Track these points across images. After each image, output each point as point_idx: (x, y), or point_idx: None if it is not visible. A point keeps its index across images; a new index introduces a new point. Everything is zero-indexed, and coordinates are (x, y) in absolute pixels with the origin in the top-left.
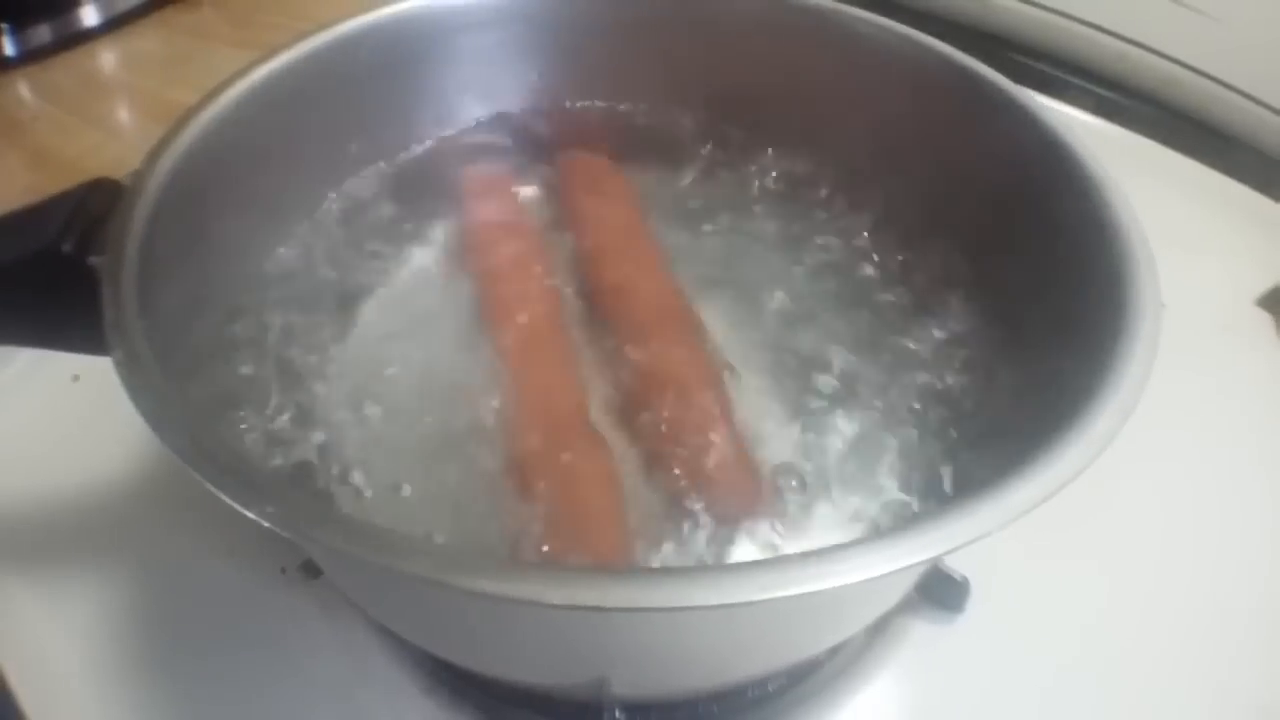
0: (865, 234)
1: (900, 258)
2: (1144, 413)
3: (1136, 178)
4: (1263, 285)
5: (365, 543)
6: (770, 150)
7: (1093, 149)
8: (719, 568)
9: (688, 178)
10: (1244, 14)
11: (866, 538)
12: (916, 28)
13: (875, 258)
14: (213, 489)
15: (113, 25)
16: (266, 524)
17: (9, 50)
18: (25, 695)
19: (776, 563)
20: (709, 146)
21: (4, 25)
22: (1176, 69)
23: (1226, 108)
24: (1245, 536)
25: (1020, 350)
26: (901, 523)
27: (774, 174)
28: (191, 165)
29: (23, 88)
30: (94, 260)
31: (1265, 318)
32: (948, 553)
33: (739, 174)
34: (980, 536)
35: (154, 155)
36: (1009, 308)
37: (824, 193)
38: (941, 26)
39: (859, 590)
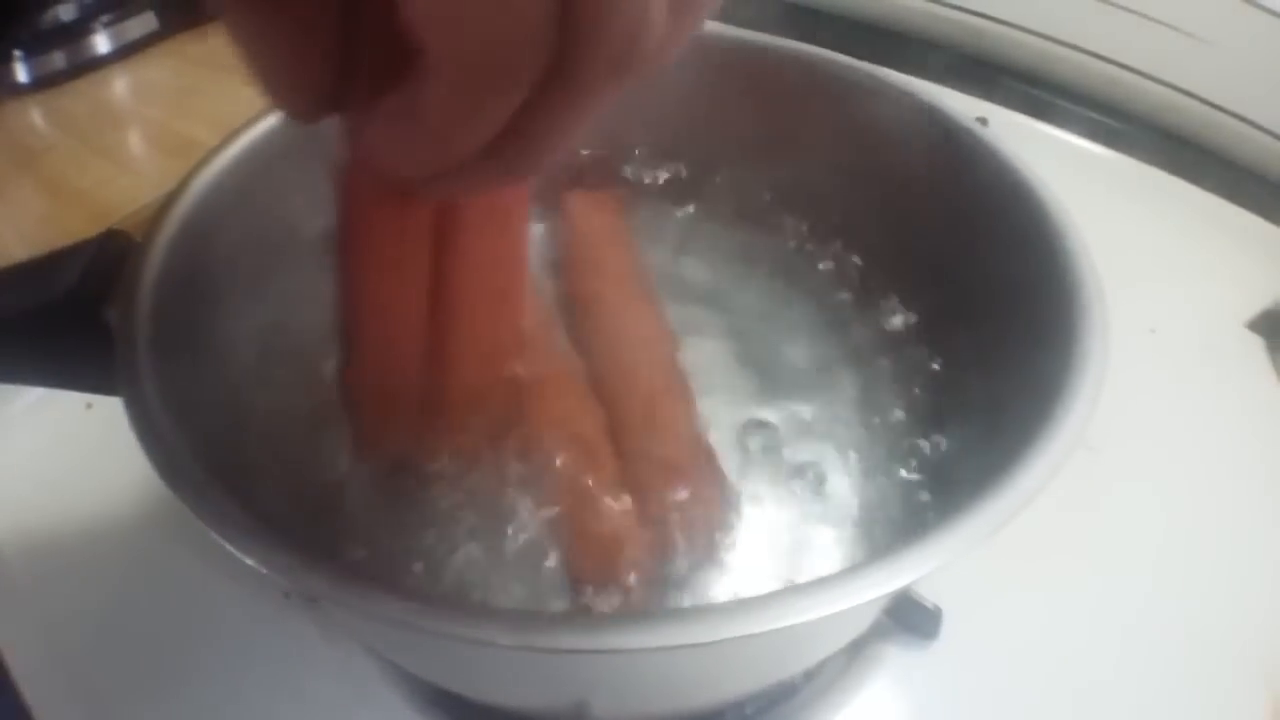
0: (833, 265)
1: (866, 292)
2: (1130, 432)
3: (1126, 200)
4: (1253, 308)
5: (369, 598)
6: (756, 190)
7: (1061, 202)
8: (689, 610)
9: (688, 220)
10: (1234, 37)
11: (813, 581)
12: (916, 53)
13: (839, 289)
14: (230, 547)
15: (124, 53)
16: (281, 581)
17: (22, 77)
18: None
19: (744, 604)
20: (704, 192)
21: (17, 52)
22: (1168, 92)
23: (1217, 130)
24: (1229, 561)
25: (972, 387)
26: (844, 566)
27: (764, 215)
28: (199, 219)
29: (36, 115)
30: (109, 310)
31: (1255, 340)
32: (880, 598)
33: (732, 217)
34: (918, 578)
35: (163, 210)
36: (961, 341)
37: (811, 233)
38: (937, 53)
39: (813, 627)
